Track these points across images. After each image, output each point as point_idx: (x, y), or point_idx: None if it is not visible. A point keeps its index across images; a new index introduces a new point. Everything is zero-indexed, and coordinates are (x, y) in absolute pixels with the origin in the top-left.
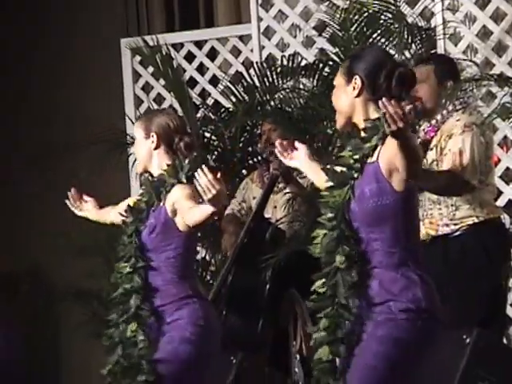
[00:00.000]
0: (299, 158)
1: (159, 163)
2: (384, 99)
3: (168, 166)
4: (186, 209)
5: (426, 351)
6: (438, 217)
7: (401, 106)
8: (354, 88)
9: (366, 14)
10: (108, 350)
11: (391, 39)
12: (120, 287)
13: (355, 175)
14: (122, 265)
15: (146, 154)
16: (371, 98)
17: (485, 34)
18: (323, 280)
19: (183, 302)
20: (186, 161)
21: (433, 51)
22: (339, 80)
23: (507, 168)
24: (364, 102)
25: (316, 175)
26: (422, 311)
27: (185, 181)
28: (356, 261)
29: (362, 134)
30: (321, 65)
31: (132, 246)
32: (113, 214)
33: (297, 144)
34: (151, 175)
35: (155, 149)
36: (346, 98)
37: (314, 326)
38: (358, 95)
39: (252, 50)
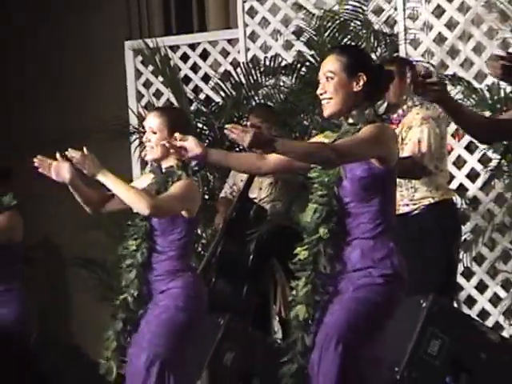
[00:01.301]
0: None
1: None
2: None
3: (178, 159)
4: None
5: (395, 311)
6: (399, 198)
7: None
8: (357, 83)
9: (338, 22)
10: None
11: (360, 43)
12: (123, 261)
13: None
14: (129, 242)
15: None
16: (370, 93)
17: (440, 39)
18: (306, 247)
19: (179, 274)
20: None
21: (396, 54)
22: (340, 75)
23: (459, 156)
24: (363, 96)
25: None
26: (397, 277)
27: (191, 173)
28: (338, 234)
29: (350, 120)
30: (299, 65)
31: (142, 227)
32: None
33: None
34: (159, 165)
35: None
36: (348, 93)
37: (294, 285)
38: (361, 90)
39: (239, 52)
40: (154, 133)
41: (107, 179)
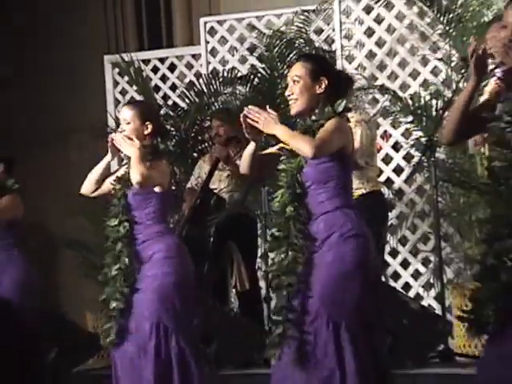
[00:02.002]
0: (271, 125)
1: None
2: None
3: (148, 145)
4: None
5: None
6: None
7: None
8: (319, 86)
9: (285, 40)
10: (103, 284)
11: None
12: (110, 237)
13: None
14: (111, 220)
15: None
16: (330, 95)
17: (371, 55)
18: (278, 227)
19: (160, 237)
20: (161, 144)
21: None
22: (305, 80)
23: (387, 153)
24: (324, 97)
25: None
26: (360, 236)
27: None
28: (303, 212)
29: (313, 117)
30: (252, 76)
31: (120, 205)
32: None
33: (269, 110)
34: None
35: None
36: (312, 94)
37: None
38: (323, 92)
39: (201, 65)
40: (128, 123)
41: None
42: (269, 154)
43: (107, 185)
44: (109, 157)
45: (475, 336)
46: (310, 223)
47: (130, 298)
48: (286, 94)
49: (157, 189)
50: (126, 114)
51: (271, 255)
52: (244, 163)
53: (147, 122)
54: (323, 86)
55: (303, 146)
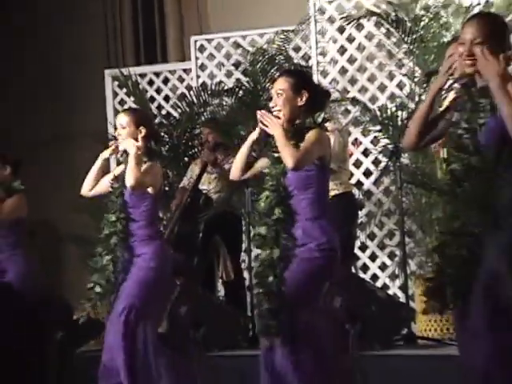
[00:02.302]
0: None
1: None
2: None
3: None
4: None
5: (332, 274)
6: None
7: None
8: (301, 99)
9: (267, 57)
10: (92, 272)
11: None
12: (106, 230)
13: None
14: (109, 215)
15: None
16: (310, 106)
17: (343, 71)
18: (265, 226)
19: (150, 241)
20: (155, 146)
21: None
22: (288, 93)
23: (357, 159)
24: (305, 109)
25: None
26: (331, 250)
27: (155, 159)
28: (289, 214)
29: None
30: (237, 89)
31: (118, 202)
32: (98, 188)
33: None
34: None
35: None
36: (294, 106)
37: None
38: (304, 104)
39: (192, 79)
40: (124, 128)
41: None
42: (254, 159)
43: (104, 184)
44: (105, 153)
45: (437, 312)
46: (292, 225)
47: (118, 286)
48: (271, 105)
49: (150, 190)
50: (122, 119)
51: (258, 251)
52: (236, 170)
53: (141, 127)
54: (304, 98)
55: (287, 157)
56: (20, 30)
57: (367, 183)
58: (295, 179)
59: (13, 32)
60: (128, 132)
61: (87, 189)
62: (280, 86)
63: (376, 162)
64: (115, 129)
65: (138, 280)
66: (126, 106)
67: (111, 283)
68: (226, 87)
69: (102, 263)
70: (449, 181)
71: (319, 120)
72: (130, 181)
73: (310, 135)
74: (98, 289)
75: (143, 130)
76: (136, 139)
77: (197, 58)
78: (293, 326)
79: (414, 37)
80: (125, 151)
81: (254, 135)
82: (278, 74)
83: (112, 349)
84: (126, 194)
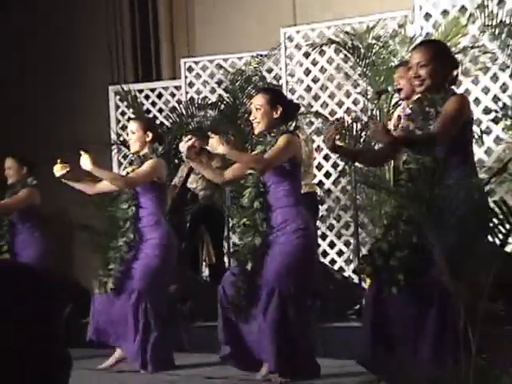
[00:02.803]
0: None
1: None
2: None
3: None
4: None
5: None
6: None
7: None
8: (276, 112)
9: (244, 76)
10: (109, 251)
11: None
12: (120, 216)
13: None
14: (123, 203)
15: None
16: (284, 118)
17: (308, 89)
18: (247, 217)
19: (157, 225)
20: (160, 147)
21: None
22: (265, 107)
23: (319, 162)
24: (279, 120)
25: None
26: (306, 229)
27: (159, 156)
28: (266, 205)
29: (272, 134)
30: (219, 103)
31: (130, 192)
32: (100, 185)
33: (210, 134)
34: (138, 154)
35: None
36: (270, 119)
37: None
38: (278, 117)
39: (181, 94)
40: (134, 133)
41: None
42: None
43: (104, 184)
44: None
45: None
46: (270, 214)
47: (129, 262)
48: (251, 118)
49: (156, 180)
50: (133, 126)
51: (241, 238)
52: (216, 179)
53: (148, 132)
54: (279, 112)
55: (253, 163)
56: (33, 52)
57: (327, 183)
58: (273, 175)
59: (24, 54)
60: (137, 136)
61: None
62: (258, 102)
63: (335, 166)
64: (117, 135)
65: (144, 269)
66: (125, 117)
67: (125, 260)
68: (210, 101)
69: (116, 244)
70: (403, 179)
71: (291, 128)
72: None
73: (280, 140)
74: (112, 265)
75: (150, 135)
76: (144, 142)
77: (186, 77)
78: (268, 301)
79: (367, 61)
80: (136, 151)
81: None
82: (255, 91)
83: (112, 315)
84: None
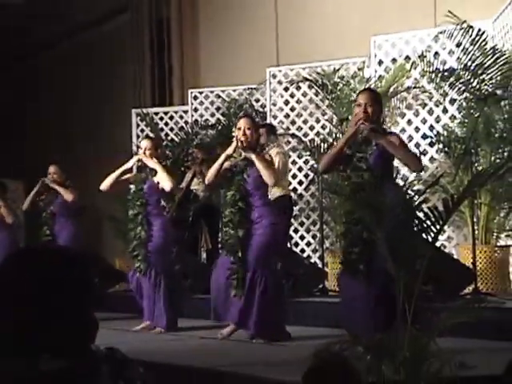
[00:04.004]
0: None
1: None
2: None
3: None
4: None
5: (282, 238)
6: None
7: None
8: (262, 134)
9: (237, 104)
10: (131, 240)
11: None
12: (134, 211)
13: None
14: (136, 201)
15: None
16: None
17: (287, 116)
18: (232, 214)
19: (159, 216)
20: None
21: (265, 122)
22: (252, 130)
23: (294, 173)
24: (263, 140)
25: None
26: (277, 223)
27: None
28: (247, 205)
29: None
30: (217, 125)
31: (140, 192)
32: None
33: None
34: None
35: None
36: (255, 138)
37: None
38: (260, 136)
39: (188, 117)
40: (146, 149)
41: None
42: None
43: (120, 183)
44: (128, 164)
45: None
46: (250, 212)
47: (147, 246)
48: (243, 138)
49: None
50: (145, 143)
51: (228, 230)
52: (210, 176)
53: (158, 149)
54: (260, 132)
55: (268, 177)
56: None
57: (300, 189)
58: (252, 182)
59: (67, 85)
60: (150, 152)
61: (107, 185)
62: (247, 125)
63: (306, 176)
64: (137, 148)
65: (155, 249)
66: (144, 133)
67: (145, 245)
68: (210, 123)
69: (136, 233)
70: (354, 188)
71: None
72: (167, 184)
73: (268, 156)
74: (136, 251)
75: (159, 151)
76: (156, 157)
77: (192, 104)
78: (252, 280)
79: (333, 96)
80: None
81: (229, 151)
82: (242, 115)
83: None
84: (145, 186)
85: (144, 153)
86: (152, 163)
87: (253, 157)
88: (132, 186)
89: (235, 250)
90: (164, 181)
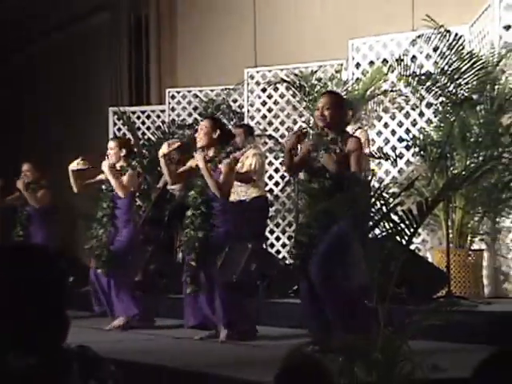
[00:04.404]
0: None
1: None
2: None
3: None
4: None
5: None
6: (240, 192)
7: None
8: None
9: (215, 104)
10: (89, 238)
11: (226, 117)
12: (100, 213)
13: None
14: (103, 203)
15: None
16: (222, 139)
17: (264, 117)
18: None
19: (127, 224)
20: (133, 162)
21: (242, 123)
22: (209, 129)
23: (270, 174)
24: (218, 141)
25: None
26: (232, 225)
27: (135, 168)
28: (209, 208)
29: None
30: (194, 125)
31: (109, 194)
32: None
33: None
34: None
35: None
36: (212, 139)
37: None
38: (217, 139)
39: (165, 116)
40: (111, 149)
41: None
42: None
43: (95, 183)
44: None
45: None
46: (211, 215)
47: (108, 246)
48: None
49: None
50: (110, 144)
51: (189, 231)
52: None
53: (123, 148)
54: (217, 134)
55: (214, 189)
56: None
57: (276, 190)
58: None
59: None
60: (114, 152)
61: (78, 189)
62: (206, 125)
63: (282, 177)
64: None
65: (119, 245)
66: (121, 132)
67: (104, 244)
68: (187, 123)
69: (97, 233)
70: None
71: (228, 150)
72: (120, 193)
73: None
74: (97, 251)
75: (124, 150)
76: (119, 157)
77: (169, 103)
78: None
79: (310, 97)
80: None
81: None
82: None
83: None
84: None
85: (107, 154)
86: (102, 176)
87: (200, 164)
88: (103, 186)
89: (193, 249)
90: (117, 189)
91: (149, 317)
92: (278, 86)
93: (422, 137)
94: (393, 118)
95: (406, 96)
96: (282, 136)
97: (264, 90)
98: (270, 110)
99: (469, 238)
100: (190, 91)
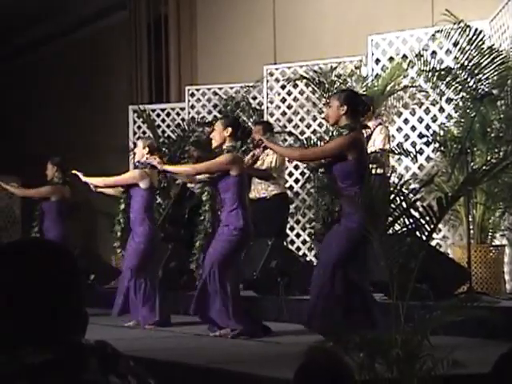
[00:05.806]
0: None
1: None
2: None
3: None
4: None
5: (244, 247)
6: (260, 189)
7: None
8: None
9: (234, 102)
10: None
11: (246, 114)
12: (119, 211)
13: None
14: (121, 203)
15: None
16: (233, 136)
17: (284, 114)
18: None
19: (142, 222)
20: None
21: (262, 119)
22: (220, 128)
23: (290, 171)
24: (230, 139)
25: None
26: (242, 230)
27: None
28: (216, 206)
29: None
30: (214, 122)
31: (125, 194)
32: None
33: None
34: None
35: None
36: (223, 137)
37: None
38: (229, 136)
39: (185, 114)
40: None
41: None
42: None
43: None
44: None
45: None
46: (220, 213)
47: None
48: (212, 136)
49: (142, 185)
50: (141, 143)
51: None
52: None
53: (146, 147)
54: (229, 133)
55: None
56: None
57: (296, 187)
58: (222, 186)
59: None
60: (139, 149)
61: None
62: (218, 125)
63: (302, 174)
64: (134, 144)
65: (134, 251)
66: (141, 130)
67: (124, 243)
68: (207, 120)
69: (119, 233)
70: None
71: (238, 146)
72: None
73: (217, 158)
74: (118, 250)
75: (147, 149)
76: (142, 155)
77: (189, 101)
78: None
79: (330, 94)
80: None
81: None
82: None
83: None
84: (131, 190)
85: (134, 152)
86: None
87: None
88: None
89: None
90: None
91: (167, 321)
92: (297, 82)
93: (442, 132)
94: (413, 113)
95: (426, 92)
96: (302, 133)
97: (283, 87)
98: (289, 107)
99: (490, 234)
100: (209, 89)
